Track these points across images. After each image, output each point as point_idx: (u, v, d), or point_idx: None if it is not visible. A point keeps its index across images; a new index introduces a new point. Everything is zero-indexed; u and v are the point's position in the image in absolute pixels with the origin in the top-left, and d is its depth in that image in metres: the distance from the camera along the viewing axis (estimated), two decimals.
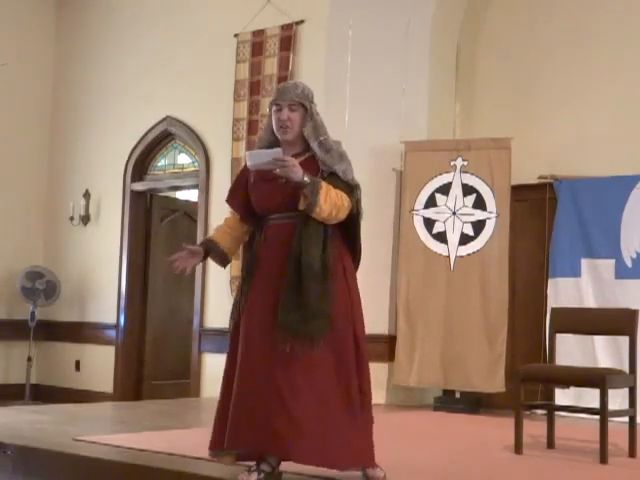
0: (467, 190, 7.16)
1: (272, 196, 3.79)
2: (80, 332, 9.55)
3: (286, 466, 3.86)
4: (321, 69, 7.91)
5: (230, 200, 4.02)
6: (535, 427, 5.23)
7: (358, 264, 3.94)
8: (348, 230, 3.86)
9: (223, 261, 4.00)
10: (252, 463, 3.81)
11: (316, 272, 3.67)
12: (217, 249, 3.96)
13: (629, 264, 6.72)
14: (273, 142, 3.89)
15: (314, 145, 3.81)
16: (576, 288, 6.91)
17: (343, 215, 3.76)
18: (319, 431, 3.62)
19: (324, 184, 3.69)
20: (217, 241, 3.97)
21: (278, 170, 3.64)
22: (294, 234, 3.73)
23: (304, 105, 3.81)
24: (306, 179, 3.65)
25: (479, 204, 7.10)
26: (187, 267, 3.97)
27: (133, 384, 9.27)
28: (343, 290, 3.77)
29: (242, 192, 3.94)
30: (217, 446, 3.85)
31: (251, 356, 3.71)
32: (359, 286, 3.90)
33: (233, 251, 4.02)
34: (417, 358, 7.09)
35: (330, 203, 3.68)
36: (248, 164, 3.72)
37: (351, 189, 3.81)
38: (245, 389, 3.70)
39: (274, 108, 3.84)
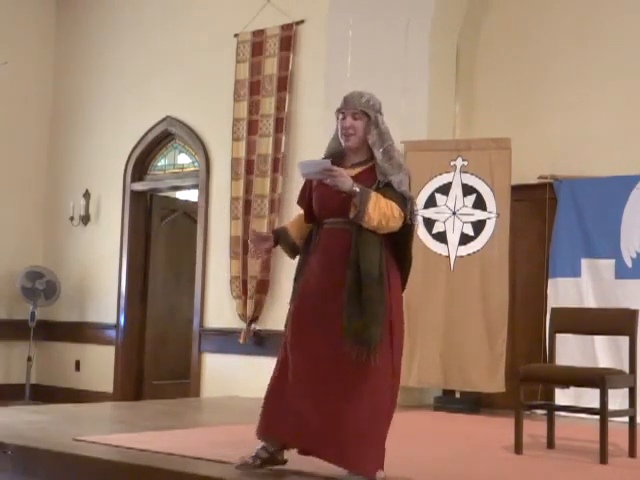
0: (467, 190, 7.16)
1: (330, 200, 3.87)
2: (80, 332, 9.55)
3: (287, 466, 3.88)
4: (321, 69, 7.92)
5: (299, 201, 4.13)
6: (535, 427, 5.23)
7: (407, 276, 4.00)
8: (399, 241, 3.92)
9: (292, 250, 4.11)
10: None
11: (374, 279, 3.76)
12: (287, 238, 4.08)
13: (629, 264, 6.72)
14: (338, 149, 4.00)
15: (377, 152, 3.89)
16: (576, 288, 6.91)
17: (394, 225, 3.82)
18: (355, 435, 3.75)
19: (374, 194, 3.77)
20: (288, 230, 4.12)
21: (328, 180, 3.75)
22: (348, 240, 3.82)
23: (368, 114, 3.92)
24: (355, 188, 3.74)
25: (479, 204, 7.10)
26: (261, 252, 4.10)
27: (133, 384, 9.28)
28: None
29: (308, 194, 4.05)
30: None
31: (299, 353, 3.86)
32: None
33: (300, 242, 4.10)
34: (417, 358, 7.08)
35: (379, 212, 3.75)
36: (300, 173, 3.87)
37: (404, 200, 3.86)
38: (295, 389, 3.85)
39: (339, 116, 3.96)
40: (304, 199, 4.08)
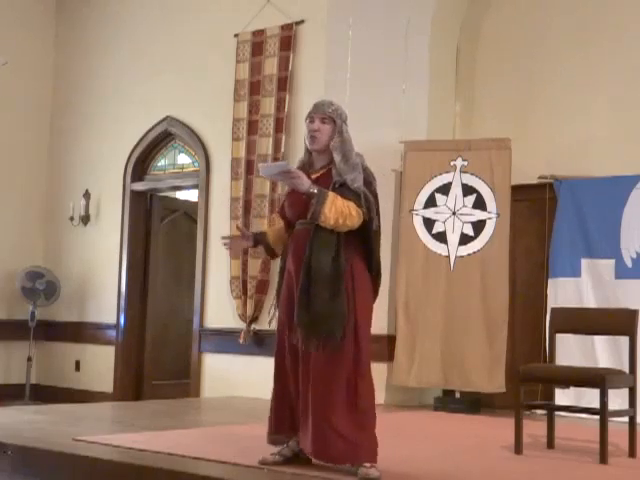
0: (467, 190, 7.16)
1: (297, 203, 4.10)
2: (80, 332, 9.55)
3: (285, 466, 3.88)
4: (321, 69, 7.92)
5: (279, 211, 4.41)
6: (535, 427, 5.24)
7: (376, 268, 4.15)
8: (364, 239, 4.09)
9: (269, 252, 4.38)
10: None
11: (325, 276, 3.93)
12: (265, 240, 4.33)
13: (629, 264, 6.72)
14: (307, 159, 4.23)
15: (337, 156, 4.07)
16: (576, 288, 6.91)
17: (352, 223, 3.98)
18: (323, 428, 3.89)
19: (331, 194, 3.96)
20: (266, 233, 4.40)
21: (287, 181, 4.01)
22: (308, 240, 4.01)
23: (335, 121, 4.12)
24: (313, 190, 3.95)
25: (479, 204, 7.10)
26: (236, 249, 4.43)
27: (133, 384, 9.27)
28: (347, 291, 3.98)
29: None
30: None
31: (280, 353, 4.15)
32: None
33: (277, 247, 4.36)
34: (417, 358, 7.09)
35: (335, 212, 3.93)
36: (261, 174, 4.16)
37: (359, 197, 4.01)
38: (279, 386, 4.18)
39: (307, 121, 4.16)
40: (282, 208, 4.34)
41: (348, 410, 3.90)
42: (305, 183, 3.96)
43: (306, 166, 4.19)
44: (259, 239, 4.32)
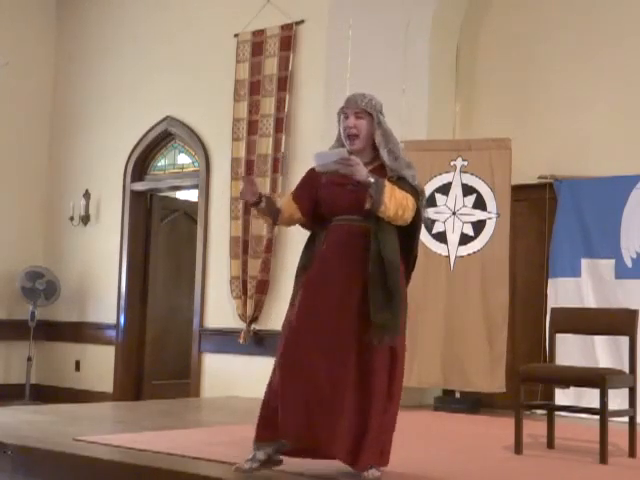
0: (467, 190, 7.16)
1: (341, 198, 3.88)
2: (80, 332, 9.55)
3: (285, 466, 3.87)
4: (321, 69, 7.92)
5: (297, 197, 4.05)
6: (535, 427, 5.24)
7: (412, 270, 4.04)
8: (408, 234, 3.93)
9: (273, 214, 4.01)
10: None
11: (397, 268, 3.79)
12: (273, 204, 4.02)
13: (629, 264, 6.72)
14: None
15: (383, 152, 3.90)
16: (576, 288, 6.91)
17: (409, 216, 3.84)
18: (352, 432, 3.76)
19: (389, 184, 3.77)
20: (275, 199, 4.15)
21: (344, 170, 3.72)
22: (363, 237, 3.82)
23: (370, 114, 3.92)
24: (371, 179, 3.73)
25: (479, 204, 7.10)
26: (247, 193, 3.94)
27: (133, 384, 9.27)
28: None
29: (311, 190, 4.01)
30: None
31: (300, 352, 3.79)
32: None
33: (284, 217, 4.05)
34: (417, 358, 7.07)
35: (395, 202, 3.76)
36: (315, 164, 3.81)
37: (417, 193, 3.89)
38: (296, 385, 3.79)
39: (341, 117, 3.95)
40: (304, 196, 4.03)
41: (381, 413, 3.81)
42: (363, 171, 3.74)
43: None
44: (267, 200, 3.98)
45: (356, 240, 3.86)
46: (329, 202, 3.95)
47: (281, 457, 3.90)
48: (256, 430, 3.87)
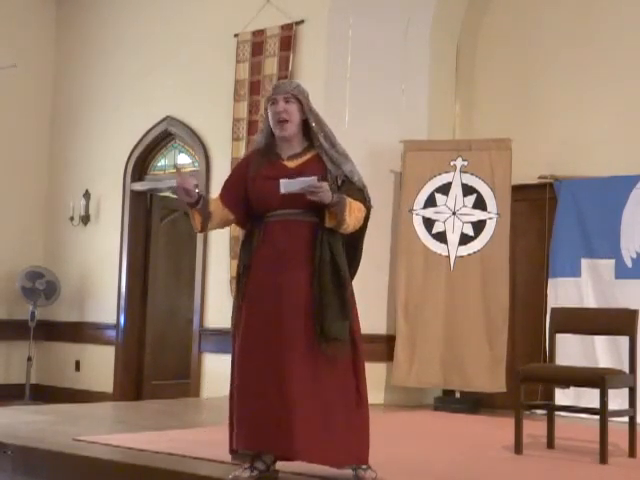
0: (467, 190, 7.16)
1: (274, 192, 3.68)
2: (80, 332, 9.54)
3: (285, 466, 3.87)
4: (321, 69, 7.91)
5: (227, 201, 3.91)
6: (535, 427, 5.24)
7: (356, 268, 3.94)
8: (355, 236, 3.85)
9: (206, 219, 3.86)
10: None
11: (347, 277, 3.73)
12: (208, 206, 3.88)
13: (629, 264, 6.72)
14: (270, 144, 3.86)
15: (321, 138, 3.78)
16: (576, 288, 6.92)
17: (360, 225, 3.80)
18: (321, 431, 3.65)
19: (347, 200, 3.68)
20: (211, 201, 3.94)
21: (311, 196, 3.61)
22: (306, 233, 3.72)
23: (299, 99, 3.79)
24: (334, 199, 3.64)
25: (479, 204, 7.11)
26: (183, 184, 3.85)
27: (133, 384, 9.27)
28: None
29: (239, 190, 3.87)
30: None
31: (257, 355, 3.67)
32: (359, 286, 3.93)
33: (214, 223, 3.92)
34: (417, 358, 7.09)
35: (354, 217, 3.72)
36: (282, 191, 3.63)
37: (362, 193, 3.82)
38: (251, 389, 3.68)
39: (269, 104, 3.81)
40: (232, 195, 3.88)
41: (347, 413, 3.72)
42: (329, 193, 3.62)
43: (268, 153, 3.82)
44: (202, 201, 3.85)
45: (296, 239, 3.73)
46: (260, 198, 3.77)
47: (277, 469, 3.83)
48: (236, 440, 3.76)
